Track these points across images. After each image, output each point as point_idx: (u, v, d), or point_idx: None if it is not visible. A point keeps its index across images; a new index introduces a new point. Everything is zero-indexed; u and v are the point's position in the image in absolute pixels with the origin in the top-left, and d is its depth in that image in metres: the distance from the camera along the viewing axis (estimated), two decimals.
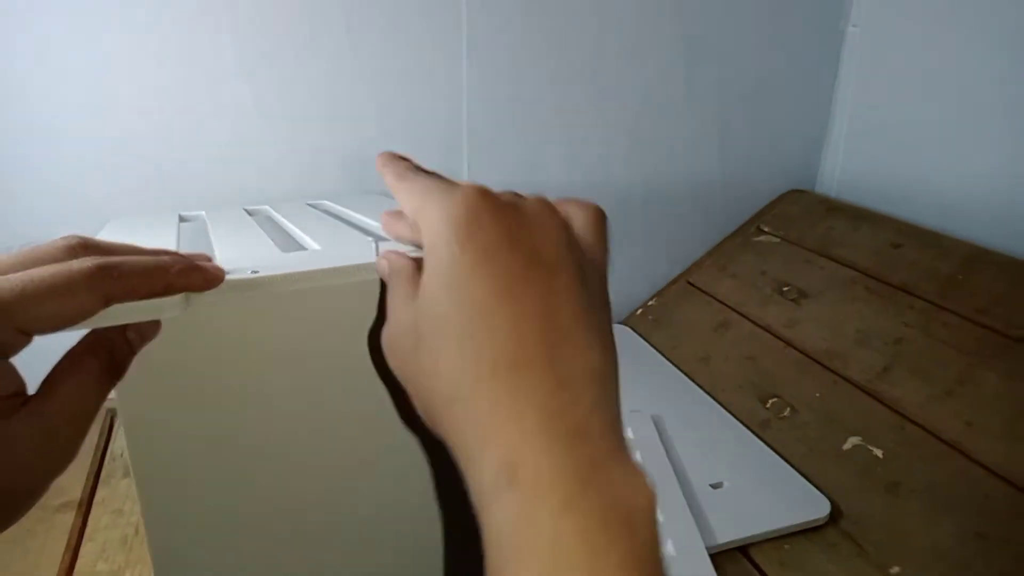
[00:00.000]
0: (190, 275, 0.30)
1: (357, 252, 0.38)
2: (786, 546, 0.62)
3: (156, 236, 0.52)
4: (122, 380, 0.31)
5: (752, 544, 0.62)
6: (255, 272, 0.33)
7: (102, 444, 0.77)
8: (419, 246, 0.30)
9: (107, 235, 0.52)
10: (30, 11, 0.72)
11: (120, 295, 0.28)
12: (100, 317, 0.28)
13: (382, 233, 0.37)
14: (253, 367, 0.35)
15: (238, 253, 0.40)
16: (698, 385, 0.87)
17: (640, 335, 1.01)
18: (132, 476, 0.33)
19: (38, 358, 0.29)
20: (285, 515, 0.38)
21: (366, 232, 0.48)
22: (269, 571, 0.39)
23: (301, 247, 0.44)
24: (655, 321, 1.03)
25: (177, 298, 0.29)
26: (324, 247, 0.41)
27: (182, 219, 0.64)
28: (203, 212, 0.66)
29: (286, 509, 0.38)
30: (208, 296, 0.31)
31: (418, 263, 0.30)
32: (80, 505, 0.67)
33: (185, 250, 0.38)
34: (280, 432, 0.36)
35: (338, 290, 0.35)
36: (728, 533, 0.62)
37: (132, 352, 0.31)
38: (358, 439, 0.38)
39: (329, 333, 0.36)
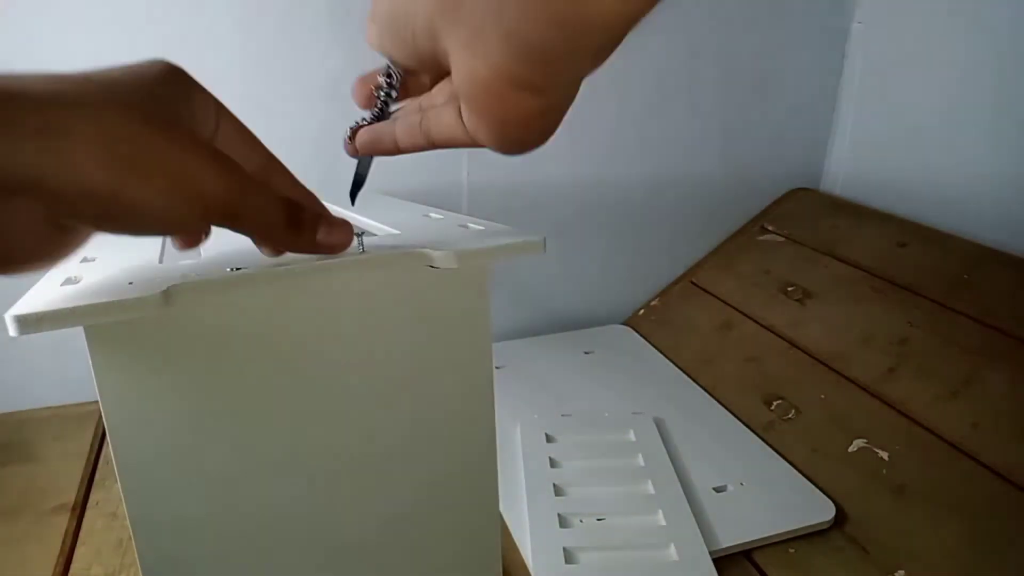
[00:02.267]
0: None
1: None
2: (791, 550, 0.61)
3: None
4: (104, 382, 0.30)
5: (756, 548, 0.61)
6: (237, 269, 0.33)
7: (96, 446, 0.76)
8: None
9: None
10: (27, 11, 0.71)
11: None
12: (73, 315, 0.27)
13: (370, 228, 0.36)
14: (237, 365, 0.34)
15: (224, 250, 0.39)
16: (701, 386, 0.86)
17: (642, 335, 1.00)
18: (117, 479, 0.32)
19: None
20: (277, 517, 0.37)
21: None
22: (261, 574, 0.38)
23: None
24: (657, 321, 1.02)
25: (156, 296, 0.29)
26: None
27: None
28: None
29: (278, 511, 0.37)
30: (187, 294, 0.31)
31: None
32: (74, 508, 0.66)
33: (172, 248, 0.37)
34: (268, 432, 0.35)
35: (322, 286, 0.34)
36: (732, 537, 0.61)
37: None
38: (349, 438, 0.38)
39: (313, 330, 0.35)
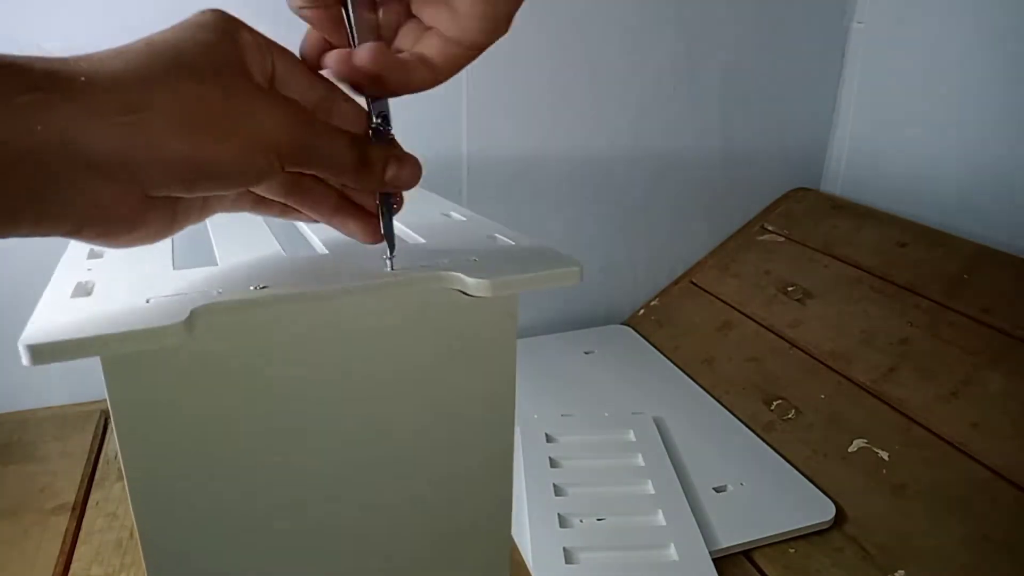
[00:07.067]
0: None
1: (366, 256, 0.37)
2: (791, 550, 0.61)
3: None
4: (117, 402, 0.30)
5: (756, 548, 0.61)
6: (263, 287, 0.32)
7: (96, 447, 0.76)
8: None
9: None
10: (29, 10, 0.71)
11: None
12: (91, 346, 0.27)
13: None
14: (258, 386, 0.33)
15: (240, 254, 0.38)
16: (701, 386, 0.86)
17: (642, 335, 1.00)
18: (125, 480, 0.32)
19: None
20: (283, 519, 0.37)
21: None
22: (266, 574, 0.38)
23: (307, 244, 0.43)
24: (657, 321, 1.02)
25: (178, 324, 0.28)
26: (332, 250, 0.39)
27: None
28: None
29: (284, 513, 0.37)
30: (210, 318, 0.30)
31: None
32: (74, 508, 0.66)
33: (183, 248, 0.37)
34: (277, 437, 0.35)
35: (349, 307, 0.34)
36: (732, 537, 0.61)
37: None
38: (357, 444, 0.37)
39: (337, 350, 0.35)
